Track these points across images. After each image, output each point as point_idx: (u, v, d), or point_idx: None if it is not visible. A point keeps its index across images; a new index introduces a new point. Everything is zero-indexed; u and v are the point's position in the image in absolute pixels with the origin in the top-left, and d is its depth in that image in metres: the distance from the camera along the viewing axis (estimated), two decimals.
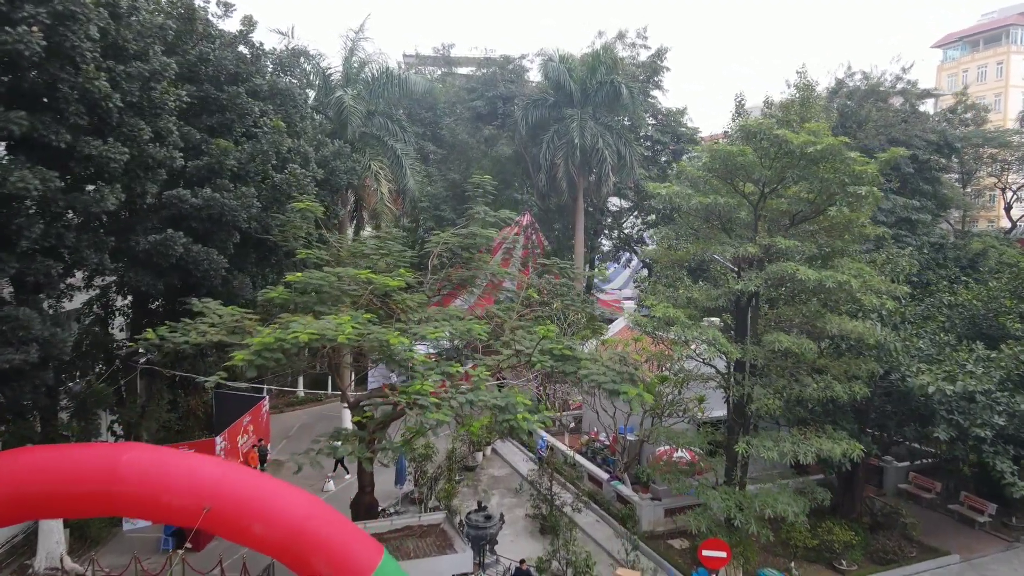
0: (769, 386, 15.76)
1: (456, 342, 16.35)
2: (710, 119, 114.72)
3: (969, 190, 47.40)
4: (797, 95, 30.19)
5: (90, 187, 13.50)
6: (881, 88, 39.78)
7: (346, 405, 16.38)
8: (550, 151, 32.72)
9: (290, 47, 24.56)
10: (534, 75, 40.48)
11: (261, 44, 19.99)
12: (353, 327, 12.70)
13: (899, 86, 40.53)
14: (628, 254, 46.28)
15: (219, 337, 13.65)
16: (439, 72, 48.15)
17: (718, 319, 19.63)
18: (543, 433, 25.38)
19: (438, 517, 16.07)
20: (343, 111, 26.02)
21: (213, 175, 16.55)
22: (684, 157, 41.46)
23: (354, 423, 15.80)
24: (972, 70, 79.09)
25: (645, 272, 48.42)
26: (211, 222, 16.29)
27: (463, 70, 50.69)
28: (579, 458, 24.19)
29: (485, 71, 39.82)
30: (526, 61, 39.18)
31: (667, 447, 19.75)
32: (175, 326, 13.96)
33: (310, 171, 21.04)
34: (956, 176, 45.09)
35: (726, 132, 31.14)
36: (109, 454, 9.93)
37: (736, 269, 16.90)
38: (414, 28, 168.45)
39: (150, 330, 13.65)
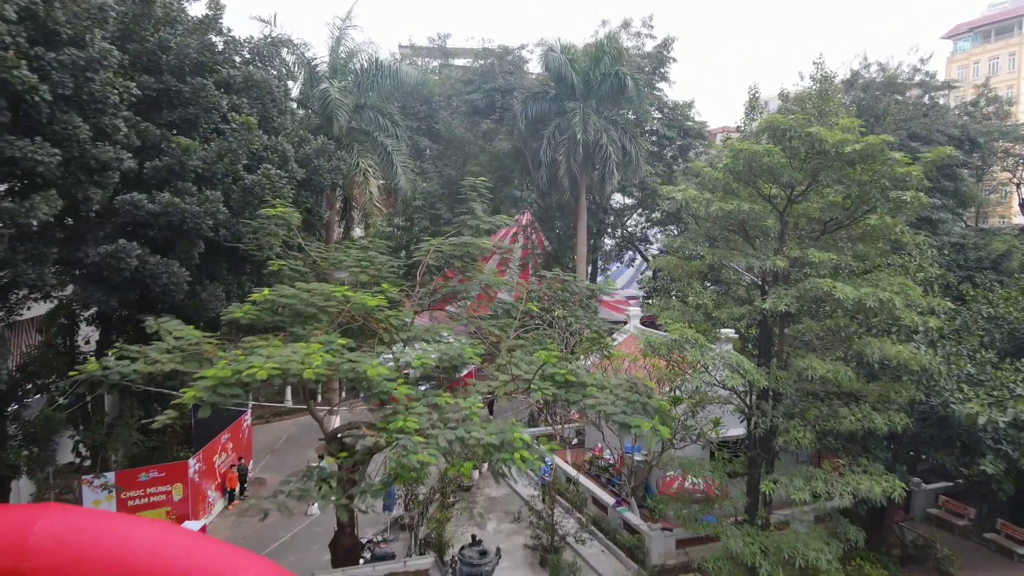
0: (797, 415, 14.02)
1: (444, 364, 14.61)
2: (701, 108, 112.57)
3: (982, 185, 45.61)
4: (814, 87, 28.32)
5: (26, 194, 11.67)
6: (898, 80, 37.92)
7: (321, 438, 14.67)
8: (551, 147, 30.87)
9: (271, 36, 22.69)
10: (533, 66, 38.64)
11: (230, 30, 18.07)
12: (324, 357, 10.92)
13: (917, 78, 38.66)
14: (632, 252, 44.48)
15: (172, 366, 11.88)
16: (435, 64, 46.21)
17: (733, 331, 17.90)
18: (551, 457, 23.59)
19: (426, 562, 14.38)
20: (328, 105, 24.15)
21: (174, 177, 14.73)
22: (691, 153, 39.64)
23: (329, 453, 14.06)
24: (983, 62, 77.15)
25: (650, 273, 46.72)
26: (171, 230, 14.49)
27: (459, 61, 48.74)
28: (583, 480, 22.45)
29: (482, 63, 37.90)
30: (525, 52, 37.31)
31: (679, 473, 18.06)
32: (129, 350, 12.20)
33: (289, 171, 19.20)
34: (970, 172, 43.30)
35: (739, 127, 29.28)
36: (19, 521, 8.23)
37: (760, 282, 15.12)
38: (406, 18, 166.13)
39: (93, 359, 11.88)
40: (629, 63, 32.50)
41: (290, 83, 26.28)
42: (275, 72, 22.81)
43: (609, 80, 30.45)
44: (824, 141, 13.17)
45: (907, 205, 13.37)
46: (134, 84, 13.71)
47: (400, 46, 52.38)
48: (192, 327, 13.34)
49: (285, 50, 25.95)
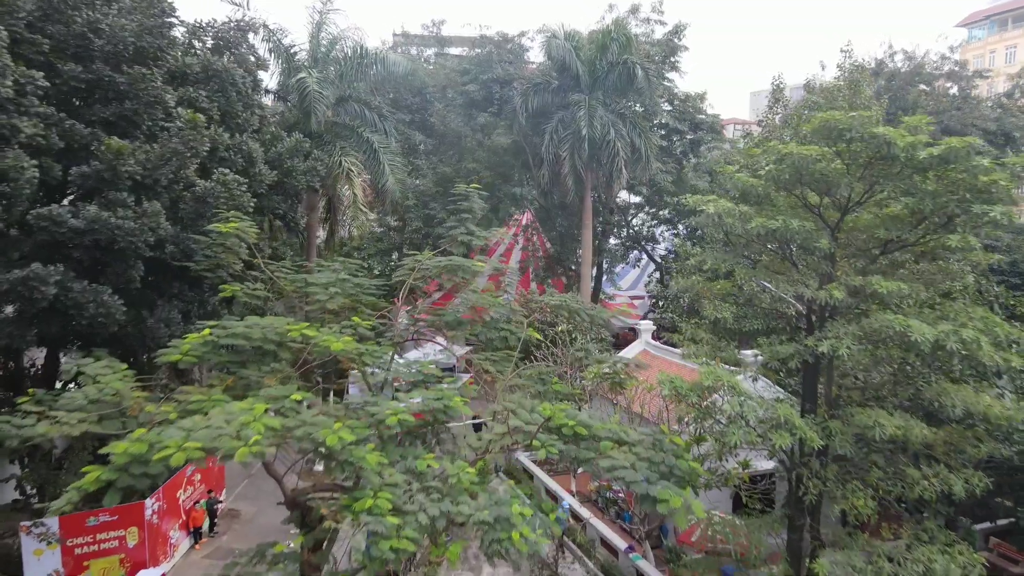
0: (854, 476, 11.63)
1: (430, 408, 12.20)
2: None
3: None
4: (841, 79, 25.77)
5: None
6: (925, 70, 35.35)
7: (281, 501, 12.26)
8: (554, 143, 28.33)
9: (240, 20, 20.12)
10: (535, 55, 36.02)
11: (173, 6, 15.42)
12: (267, 424, 8.51)
13: (945, 67, 36.07)
14: (638, 252, 41.97)
15: (84, 427, 9.50)
16: (430, 52, 43.55)
17: (754, 354, 15.42)
18: (565, 497, 21.15)
19: None
20: (306, 97, 21.62)
21: (105, 185, 12.27)
22: (703, 147, 37.09)
23: (291, 521, 11.69)
24: (1000, 50, 74.36)
25: (657, 275, 44.27)
26: (100, 250, 12.05)
27: (455, 50, 46.09)
28: (594, 521, 19.98)
29: (480, 51, 35.25)
30: (526, 39, 34.65)
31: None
32: (31, 410, 9.83)
33: (256, 174, 16.72)
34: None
35: (761, 122, 26.75)
36: None
37: (807, 313, 12.68)
38: (399, 6, 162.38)
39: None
40: (638, 52, 29.90)
41: (263, 74, 23.75)
42: (250, 59, 20.30)
43: (617, 70, 27.87)
44: (893, 144, 10.70)
45: (993, 222, 10.91)
46: (40, 74, 11.22)
47: (393, 34, 49.76)
48: (125, 368, 10.97)
49: (259, 37, 23.40)
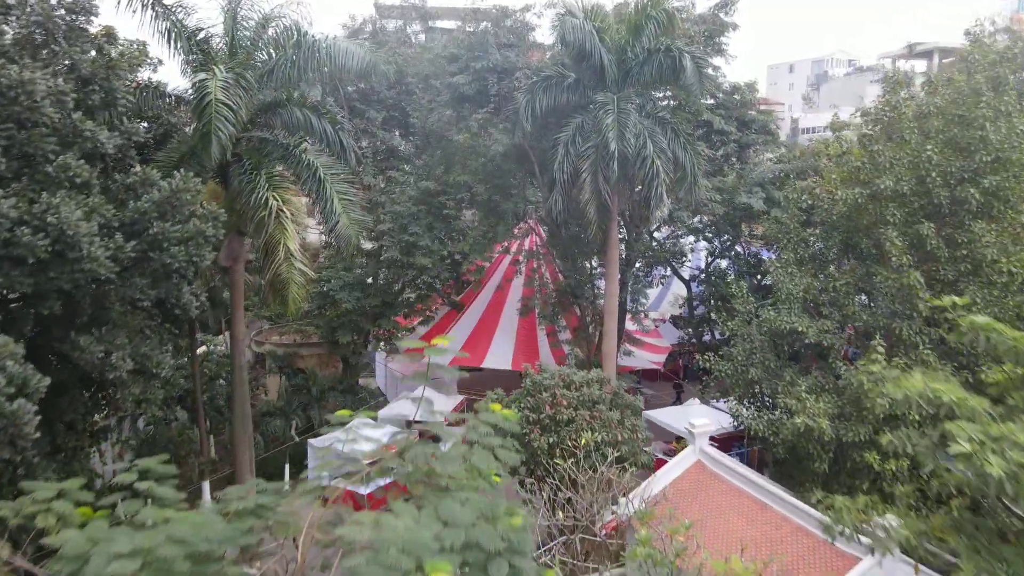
0: None
1: None
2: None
3: None
4: (975, 52, 18.37)
5: None
6: None
7: None
8: (569, 158, 21.07)
9: None
10: (542, 35, 28.56)
11: None
12: None
13: None
14: (661, 268, 34.67)
15: None
16: (414, 28, 35.79)
17: None
18: None
19: None
20: (205, 110, 14.38)
21: None
22: (751, 150, 29.73)
23: None
24: None
25: (683, 292, 37.18)
26: None
27: (446, 23, 38.29)
28: None
29: (472, 28, 27.67)
30: (531, 15, 27.01)
31: None
32: None
33: (85, 258, 9.73)
34: None
35: (865, 113, 19.48)
36: None
37: None
38: None
39: None
40: (680, 32, 22.48)
41: (152, 75, 16.46)
42: (116, 57, 13.09)
43: (656, 60, 20.44)
44: None
45: None
46: None
47: (376, 4, 41.68)
48: None
49: (148, 14, 16.07)
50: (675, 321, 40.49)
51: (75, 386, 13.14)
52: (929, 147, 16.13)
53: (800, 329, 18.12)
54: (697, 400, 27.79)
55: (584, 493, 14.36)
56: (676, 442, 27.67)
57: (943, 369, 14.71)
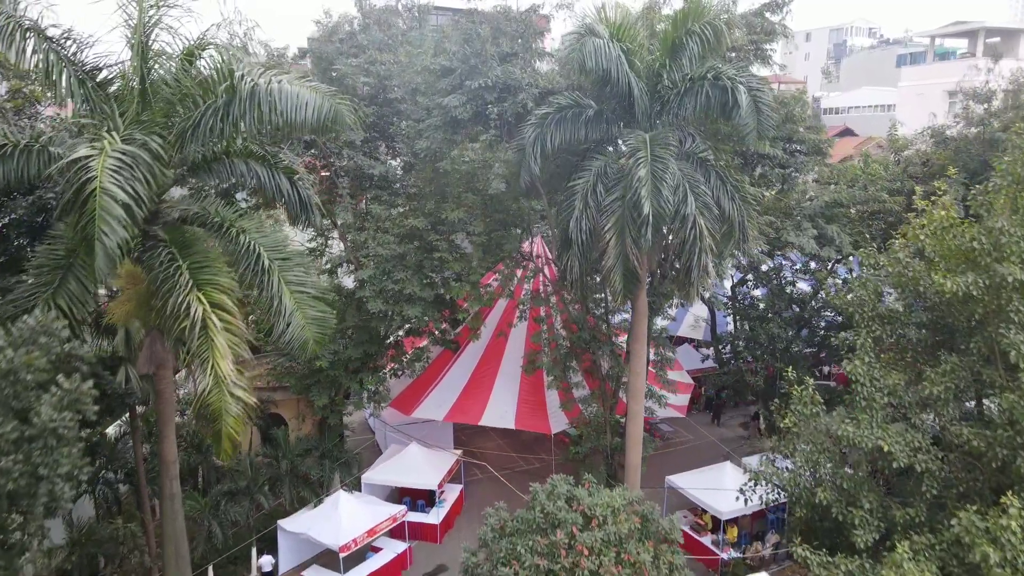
0: None
1: None
2: None
3: None
4: None
5: None
6: None
7: None
8: (588, 212, 16.74)
9: None
10: (552, 43, 23.91)
11: None
12: None
13: None
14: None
15: None
16: (403, 26, 30.87)
17: None
18: None
19: None
20: (87, 206, 10.02)
21: None
22: (811, 180, 25.28)
23: None
24: None
25: (706, 313, 33.14)
26: None
27: (442, 19, 33.41)
28: None
29: (468, 31, 22.92)
30: (539, 17, 22.21)
31: None
32: None
33: None
34: None
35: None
36: None
37: None
38: None
39: None
40: (727, 45, 17.89)
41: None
42: None
43: (702, 90, 15.93)
44: None
45: None
46: None
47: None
48: None
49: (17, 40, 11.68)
50: (696, 344, 37.30)
51: None
52: None
53: (884, 448, 14.01)
54: (729, 463, 24.04)
55: None
56: (703, 514, 23.96)
57: None
